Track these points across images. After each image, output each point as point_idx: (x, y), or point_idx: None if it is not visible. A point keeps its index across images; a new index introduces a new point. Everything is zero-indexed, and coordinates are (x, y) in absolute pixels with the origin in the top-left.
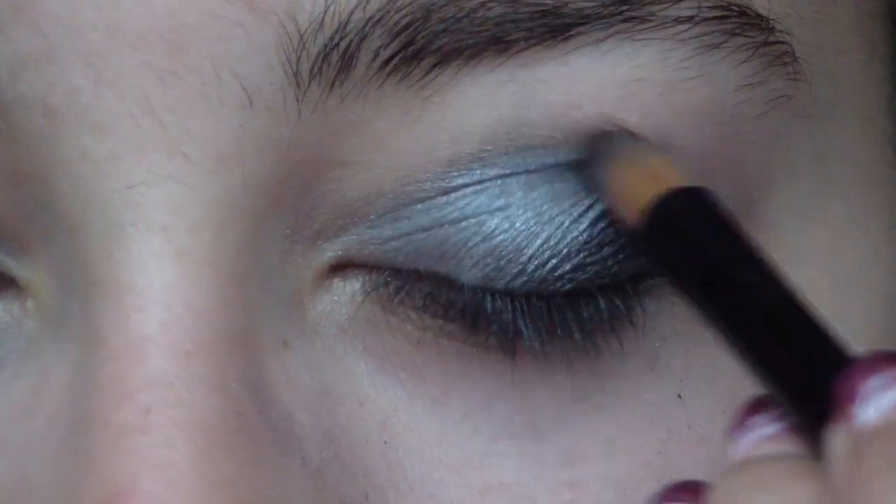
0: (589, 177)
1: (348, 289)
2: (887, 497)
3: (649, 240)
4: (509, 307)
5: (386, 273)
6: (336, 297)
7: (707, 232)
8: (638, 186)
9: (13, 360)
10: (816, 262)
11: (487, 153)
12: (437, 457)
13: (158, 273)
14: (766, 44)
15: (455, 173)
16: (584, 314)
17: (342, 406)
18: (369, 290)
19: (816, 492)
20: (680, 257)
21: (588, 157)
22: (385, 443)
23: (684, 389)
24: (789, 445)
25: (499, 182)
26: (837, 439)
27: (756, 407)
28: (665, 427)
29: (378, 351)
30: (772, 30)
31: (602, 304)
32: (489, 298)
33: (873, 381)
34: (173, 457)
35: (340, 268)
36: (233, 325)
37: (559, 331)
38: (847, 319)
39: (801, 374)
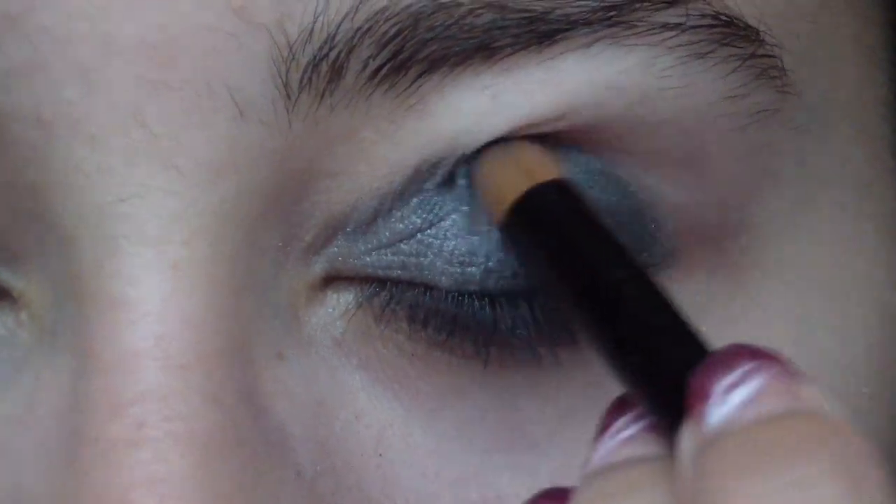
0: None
1: (342, 301)
2: (727, 500)
3: (512, 235)
4: (488, 310)
5: (374, 285)
6: (330, 310)
7: (566, 225)
8: (507, 183)
9: (7, 372)
10: (806, 267)
11: (457, 159)
12: (432, 471)
13: (152, 286)
14: (754, 56)
15: (425, 180)
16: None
17: (337, 419)
18: (361, 302)
19: (665, 497)
20: (538, 252)
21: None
22: (380, 455)
23: None
24: (650, 447)
25: (463, 187)
26: (687, 439)
27: (617, 408)
28: None
29: (373, 364)
30: (761, 42)
31: None
32: (466, 302)
33: (725, 379)
34: (166, 471)
35: (333, 280)
36: (228, 338)
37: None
38: (842, 325)
39: (659, 370)
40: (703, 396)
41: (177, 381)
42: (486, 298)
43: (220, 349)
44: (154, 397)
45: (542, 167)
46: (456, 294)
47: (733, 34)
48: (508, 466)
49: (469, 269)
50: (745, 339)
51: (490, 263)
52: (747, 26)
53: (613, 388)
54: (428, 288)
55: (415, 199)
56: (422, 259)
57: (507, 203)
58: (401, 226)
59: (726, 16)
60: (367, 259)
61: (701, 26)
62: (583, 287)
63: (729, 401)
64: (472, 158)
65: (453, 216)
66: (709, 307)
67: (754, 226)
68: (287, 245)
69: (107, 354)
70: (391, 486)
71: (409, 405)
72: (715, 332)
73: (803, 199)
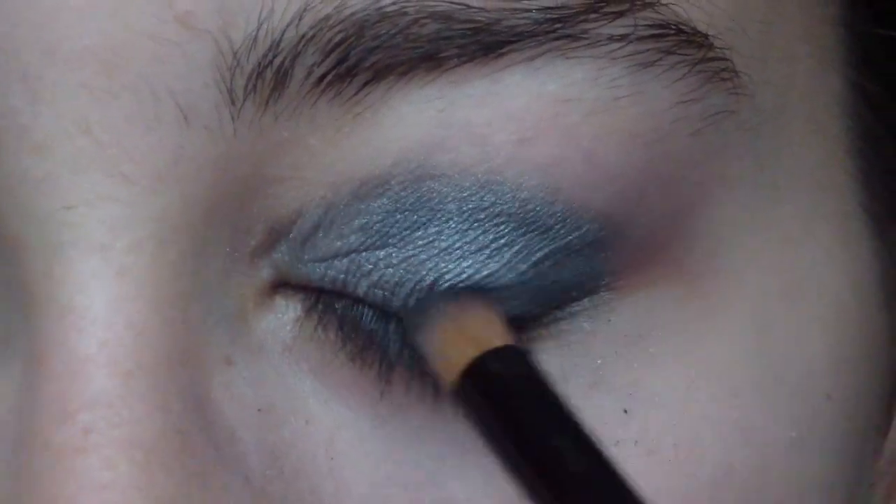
0: (412, 337)
1: (290, 308)
2: None
3: (465, 402)
4: (399, 337)
5: (315, 294)
6: (280, 316)
7: (517, 395)
8: (455, 348)
9: None
10: (764, 271)
11: (398, 174)
12: (384, 474)
13: (98, 292)
14: (703, 60)
15: (365, 195)
16: None
17: (286, 424)
18: (308, 309)
19: None
20: (491, 421)
21: (410, 317)
22: (331, 459)
23: (630, 405)
24: None
25: (397, 213)
26: None
27: None
28: (613, 441)
29: (322, 370)
30: (710, 46)
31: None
32: (381, 326)
33: None
34: (113, 477)
35: (280, 286)
36: (174, 344)
37: None
38: (801, 328)
39: None
40: None
41: (122, 388)
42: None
43: (166, 355)
44: (101, 404)
45: (488, 331)
46: (375, 316)
47: (682, 41)
48: (463, 471)
49: (391, 298)
50: (704, 347)
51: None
52: (696, 32)
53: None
54: (355, 302)
55: (357, 221)
56: (350, 278)
57: (455, 372)
58: (338, 243)
59: (674, 24)
60: (306, 269)
61: (649, 36)
62: (536, 458)
63: None
64: (414, 315)
65: (372, 248)
66: (669, 318)
67: (711, 232)
68: (235, 251)
69: (55, 361)
70: (343, 489)
71: (360, 411)
72: (677, 343)
73: (760, 203)
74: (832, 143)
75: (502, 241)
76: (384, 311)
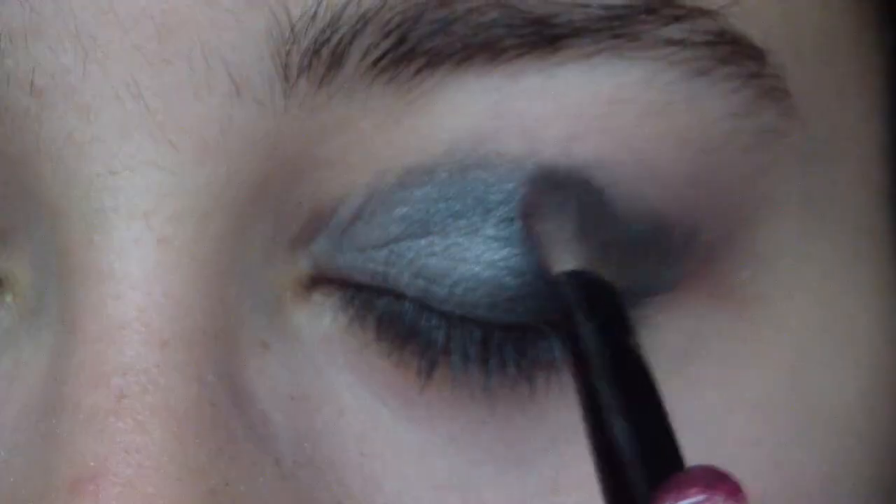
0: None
1: (328, 301)
2: None
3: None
4: (443, 331)
5: (352, 288)
6: (317, 309)
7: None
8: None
9: None
10: (804, 303)
11: (443, 166)
12: (415, 475)
13: (138, 260)
14: (757, 75)
15: (410, 183)
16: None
17: (319, 412)
18: (345, 304)
19: None
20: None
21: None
22: (362, 454)
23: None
24: None
25: (440, 202)
26: None
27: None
28: None
29: (359, 364)
30: (764, 62)
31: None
32: (424, 319)
33: None
34: (145, 441)
35: (319, 281)
36: (211, 319)
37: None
38: (836, 365)
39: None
40: None
41: (157, 356)
42: (445, 320)
43: (202, 329)
44: (135, 369)
45: None
46: (416, 310)
47: (736, 52)
48: (495, 479)
49: (421, 289)
50: (744, 372)
51: (443, 290)
52: (751, 45)
53: None
54: (397, 297)
55: (399, 210)
56: (390, 269)
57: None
58: (378, 232)
59: (730, 34)
60: (345, 260)
61: (704, 43)
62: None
63: None
64: None
65: (417, 235)
66: (710, 337)
67: (759, 254)
68: (276, 236)
69: (91, 326)
70: (371, 485)
71: (397, 411)
72: (715, 362)
73: (804, 233)
74: (875, 189)
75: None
76: (425, 305)
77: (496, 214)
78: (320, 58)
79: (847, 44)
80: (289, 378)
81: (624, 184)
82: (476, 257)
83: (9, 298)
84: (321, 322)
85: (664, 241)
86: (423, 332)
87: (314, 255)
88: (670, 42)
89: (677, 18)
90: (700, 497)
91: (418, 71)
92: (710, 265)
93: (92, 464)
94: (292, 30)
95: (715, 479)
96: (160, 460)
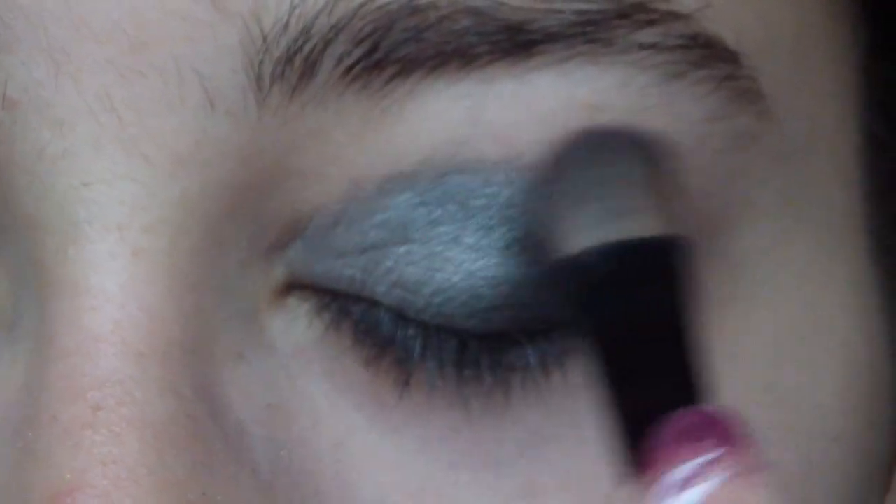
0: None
1: (303, 309)
2: None
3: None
4: (419, 340)
5: (328, 296)
6: (292, 317)
7: None
8: None
9: None
10: (778, 306)
11: (422, 174)
12: (392, 482)
13: (113, 272)
14: (731, 77)
15: (388, 192)
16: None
17: (295, 423)
18: (320, 310)
19: None
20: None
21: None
22: (338, 462)
23: None
24: None
25: (420, 208)
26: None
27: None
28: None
29: (334, 373)
30: (738, 64)
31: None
32: (401, 328)
33: (686, 466)
34: (122, 453)
35: (294, 287)
36: (187, 331)
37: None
38: (812, 366)
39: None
40: (659, 488)
41: (133, 368)
42: (421, 329)
43: (178, 341)
44: (111, 382)
45: None
46: (393, 319)
47: (710, 55)
48: (472, 484)
49: (399, 298)
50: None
51: (421, 300)
52: (725, 48)
53: (573, 413)
54: (373, 304)
55: (378, 216)
56: (368, 277)
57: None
58: (357, 238)
59: (704, 37)
60: (322, 267)
61: (678, 46)
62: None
63: (682, 499)
64: None
65: (393, 243)
66: None
67: (734, 258)
68: (251, 246)
69: (67, 339)
70: (348, 493)
71: (373, 417)
72: None
73: (778, 235)
74: (852, 189)
75: (528, 241)
76: (402, 315)
77: (476, 221)
78: (293, 66)
79: (821, 43)
80: (264, 388)
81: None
82: (455, 267)
83: None
84: (296, 328)
85: None
86: (400, 341)
87: (290, 262)
88: (644, 46)
89: (650, 23)
90: (713, 454)
91: (391, 78)
92: (685, 269)
93: (69, 477)
94: (264, 40)
95: (725, 430)
96: (137, 472)
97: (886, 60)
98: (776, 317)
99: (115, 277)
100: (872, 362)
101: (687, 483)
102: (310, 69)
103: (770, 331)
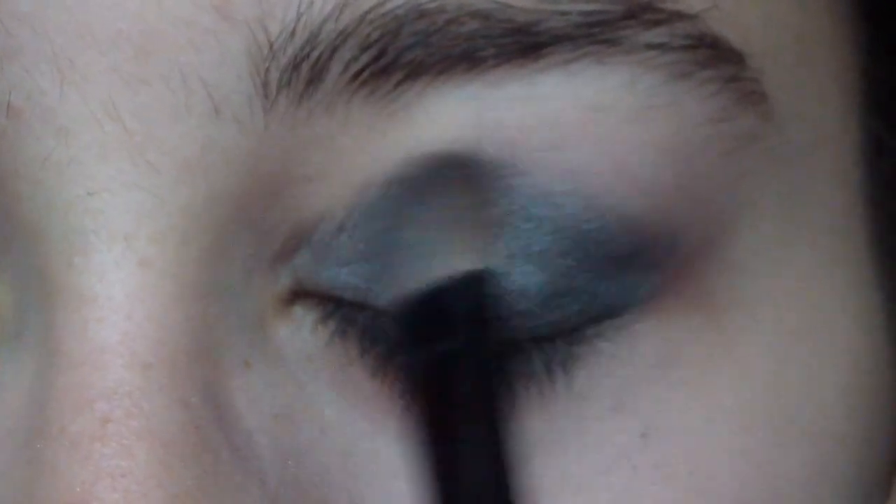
0: None
1: (309, 318)
2: None
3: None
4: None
5: (334, 303)
6: (298, 325)
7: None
8: None
9: None
10: (780, 308)
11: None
12: (401, 490)
13: (119, 282)
14: (735, 79)
15: (393, 196)
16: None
17: (303, 432)
18: (326, 318)
19: None
20: None
21: None
22: (345, 471)
23: (649, 429)
24: None
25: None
26: None
27: None
28: (630, 465)
29: (341, 381)
30: (743, 65)
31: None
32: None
33: None
34: (131, 466)
35: (300, 295)
36: (194, 340)
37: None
38: (814, 368)
39: None
40: None
41: (141, 379)
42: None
43: (185, 351)
44: (119, 394)
45: None
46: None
47: (715, 56)
48: None
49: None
50: (723, 379)
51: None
52: (730, 49)
53: (579, 419)
54: (378, 312)
55: (382, 222)
56: (374, 285)
57: None
58: (362, 246)
59: (710, 37)
60: (328, 274)
61: (684, 47)
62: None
63: None
64: None
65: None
66: (688, 345)
67: (736, 260)
68: (257, 253)
69: (74, 350)
70: (356, 502)
71: (379, 425)
72: (693, 370)
73: (780, 237)
74: (853, 190)
75: (534, 247)
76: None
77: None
78: (300, 74)
79: (823, 45)
80: (272, 397)
81: (606, 192)
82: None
83: None
84: (302, 336)
85: (644, 252)
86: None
87: (296, 270)
88: (650, 46)
89: (657, 23)
90: None
91: (398, 83)
92: (688, 272)
93: (78, 490)
94: (271, 47)
95: None
96: (147, 485)
97: (887, 62)
98: (778, 318)
99: (121, 287)
100: (874, 363)
101: None
102: (317, 76)
103: (772, 333)
